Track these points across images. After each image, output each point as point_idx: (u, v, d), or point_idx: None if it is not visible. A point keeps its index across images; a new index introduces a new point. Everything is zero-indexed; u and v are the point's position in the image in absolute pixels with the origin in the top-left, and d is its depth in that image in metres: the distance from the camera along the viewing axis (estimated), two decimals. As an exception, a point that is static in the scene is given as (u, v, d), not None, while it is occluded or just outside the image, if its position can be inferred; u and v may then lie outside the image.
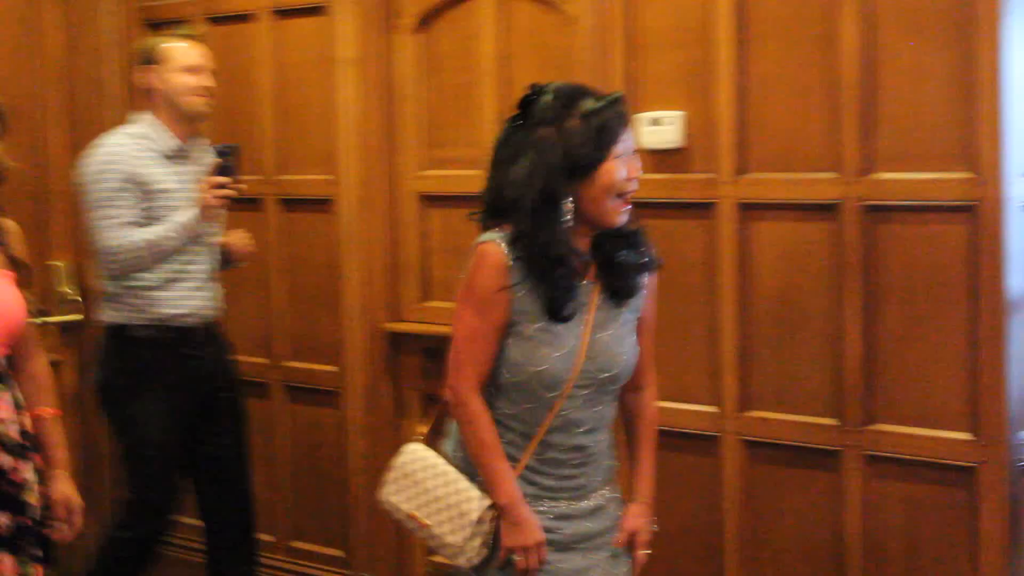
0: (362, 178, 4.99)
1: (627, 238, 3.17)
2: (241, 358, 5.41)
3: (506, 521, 3.12)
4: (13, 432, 3.45)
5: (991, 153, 3.71)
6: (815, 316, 4.04)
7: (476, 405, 3.14)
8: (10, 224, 3.56)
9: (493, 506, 3.14)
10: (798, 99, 4.03)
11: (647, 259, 3.21)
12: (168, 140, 4.55)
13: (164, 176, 4.51)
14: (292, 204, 5.26)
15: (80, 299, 5.62)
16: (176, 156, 4.56)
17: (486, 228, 3.14)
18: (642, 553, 3.33)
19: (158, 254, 4.45)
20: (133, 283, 4.50)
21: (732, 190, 4.14)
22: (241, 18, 5.33)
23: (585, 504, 3.22)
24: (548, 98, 3.07)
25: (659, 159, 4.26)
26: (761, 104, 4.09)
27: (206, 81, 4.56)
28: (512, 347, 3.11)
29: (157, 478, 4.63)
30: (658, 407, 3.38)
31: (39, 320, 3.64)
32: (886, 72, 3.87)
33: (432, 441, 3.35)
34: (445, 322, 4.76)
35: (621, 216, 3.08)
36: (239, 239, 4.77)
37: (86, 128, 5.57)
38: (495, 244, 3.07)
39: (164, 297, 4.52)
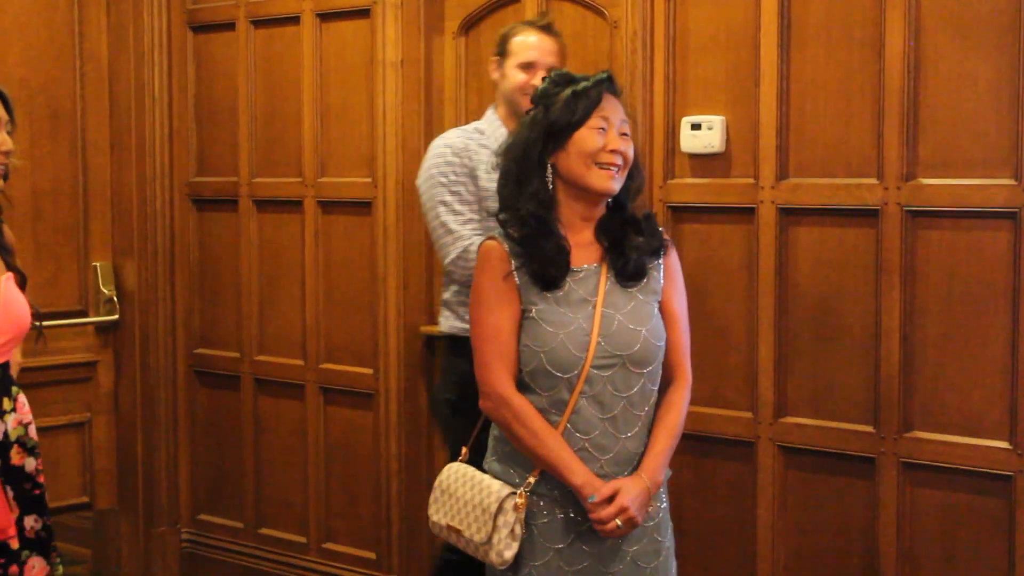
0: (402, 181, 4.99)
1: (635, 224, 3.26)
2: (276, 359, 5.46)
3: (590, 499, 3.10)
4: (32, 432, 3.50)
5: (1035, 160, 3.70)
6: (854, 322, 4.03)
7: (518, 399, 3.17)
8: (5, 228, 3.59)
9: (514, 494, 3.16)
10: (841, 104, 4.02)
11: (654, 242, 3.27)
12: (500, 136, 4.16)
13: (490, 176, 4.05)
14: (331, 206, 5.27)
15: (117, 299, 5.64)
16: None
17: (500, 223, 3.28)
18: (612, 522, 3.09)
19: None
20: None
21: (773, 195, 4.13)
22: (285, 21, 5.35)
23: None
24: (546, 83, 3.27)
25: (700, 163, 4.26)
26: (803, 109, 4.08)
27: (537, 80, 4.05)
28: (524, 334, 3.17)
29: None
30: (684, 400, 3.33)
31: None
32: (930, 77, 3.87)
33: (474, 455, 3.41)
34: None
35: (606, 182, 3.18)
36: None
37: (127, 131, 5.62)
38: (492, 241, 3.22)
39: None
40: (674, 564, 3.34)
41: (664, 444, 3.23)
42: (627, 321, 3.18)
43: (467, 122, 4.90)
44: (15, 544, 3.38)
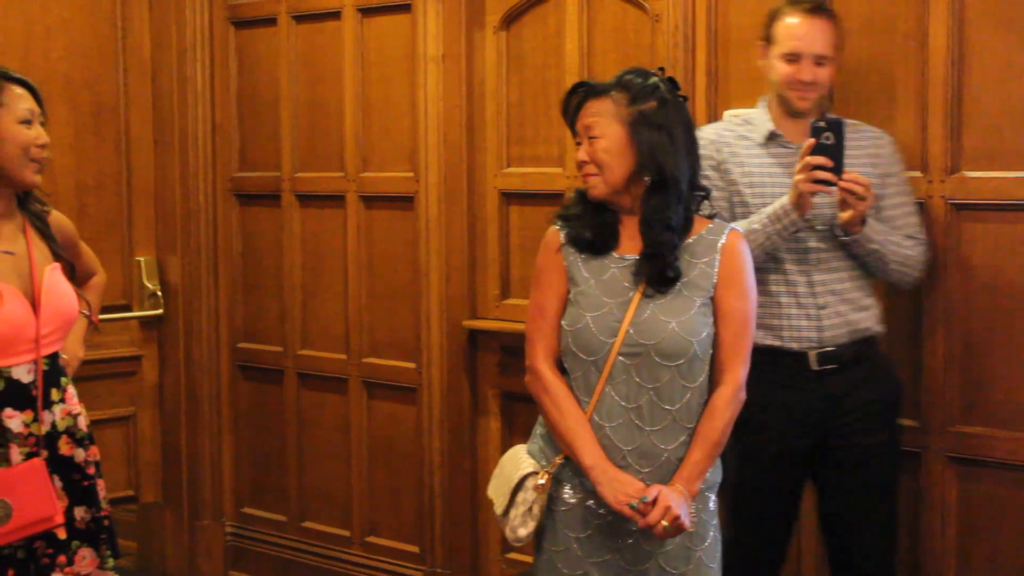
0: (443, 175, 5.00)
1: (685, 227, 3.24)
2: (319, 354, 5.48)
3: (601, 483, 3.11)
4: (82, 423, 3.53)
5: (1080, 151, 3.68)
6: (898, 316, 4.00)
7: (549, 375, 3.24)
8: (54, 216, 3.62)
9: (536, 475, 3.22)
10: (884, 96, 3.99)
11: (699, 247, 3.24)
12: (766, 126, 3.87)
13: (756, 166, 3.85)
14: (373, 201, 5.27)
15: (160, 294, 5.67)
16: (772, 144, 3.86)
17: None
18: (659, 524, 3.05)
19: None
20: None
21: (816, 188, 4.10)
22: (326, 16, 5.35)
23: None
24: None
25: (742, 157, 4.24)
26: (846, 101, 4.04)
27: (804, 74, 3.76)
28: (565, 315, 3.24)
29: (750, 521, 3.90)
30: (729, 405, 3.23)
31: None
32: (975, 69, 3.84)
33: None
34: (524, 320, 4.81)
35: (591, 191, 3.25)
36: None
37: (170, 126, 5.65)
38: (551, 227, 3.32)
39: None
40: (712, 571, 3.29)
41: (700, 453, 3.18)
42: (660, 312, 3.16)
43: (507, 117, 4.91)
44: (62, 534, 3.41)
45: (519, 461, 3.31)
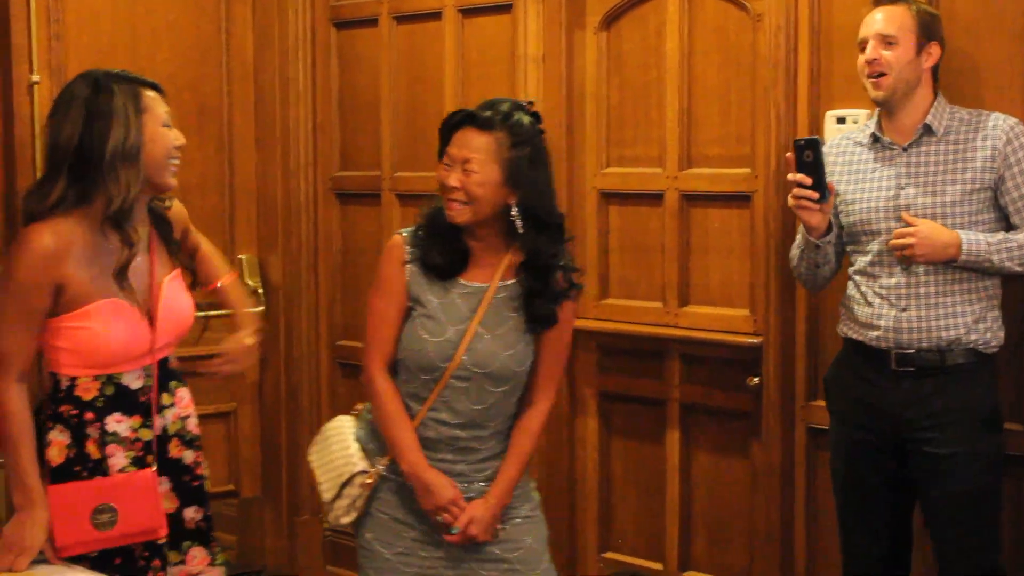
0: (542, 175, 4.99)
1: (556, 272, 3.46)
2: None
3: (416, 487, 3.41)
4: (191, 425, 3.57)
5: None
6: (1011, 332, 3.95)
7: (381, 382, 3.46)
8: (175, 209, 3.68)
9: (366, 472, 3.47)
10: (992, 95, 3.94)
11: (563, 290, 3.47)
12: (870, 128, 3.91)
13: (855, 170, 3.89)
14: (472, 200, 5.28)
15: (262, 292, 5.73)
16: (875, 145, 3.89)
17: None
18: (471, 531, 3.40)
19: (798, 264, 3.97)
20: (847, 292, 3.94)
21: (919, 189, 4.07)
22: (427, 16, 5.38)
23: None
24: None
25: (845, 157, 4.21)
26: (951, 101, 4.00)
27: (866, 54, 3.79)
28: (404, 329, 3.43)
29: (850, 509, 3.95)
30: (540, 425, 3.56)
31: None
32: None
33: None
34: (622, 320, 4.81)
35: (451, 215, 3.39)
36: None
37: (272, 126, 5.71)
38: (396, 235, 3.50)
39: (848, 309, 3.89)
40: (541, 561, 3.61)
41: (515, 470, 3.51)
42: (494, 342, 3.41)
43: (607, 117, 4.92)
44: (161, 540, 3.44)
45: (347, 450, 3.53)
